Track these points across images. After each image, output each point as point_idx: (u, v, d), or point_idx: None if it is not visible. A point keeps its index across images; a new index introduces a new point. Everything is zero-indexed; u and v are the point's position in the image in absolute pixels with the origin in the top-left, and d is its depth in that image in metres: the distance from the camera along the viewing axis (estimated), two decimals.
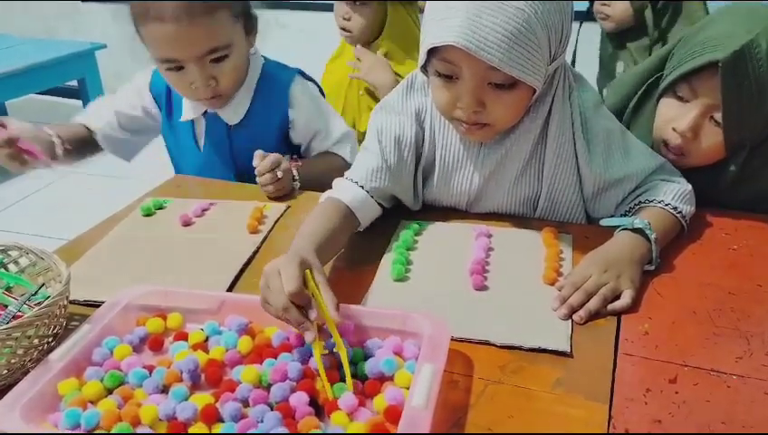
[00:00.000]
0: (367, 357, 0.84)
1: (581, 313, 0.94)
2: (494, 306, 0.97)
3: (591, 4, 2.26)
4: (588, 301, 0.95)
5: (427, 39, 1.02)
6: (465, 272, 1.04)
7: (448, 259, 1.09)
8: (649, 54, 2.30)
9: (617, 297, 0.97)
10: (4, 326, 0.80)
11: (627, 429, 0.75)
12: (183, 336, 0.89)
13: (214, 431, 0.74)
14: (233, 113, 1.47)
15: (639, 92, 1.33)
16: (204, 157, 1.51)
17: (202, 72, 1.32)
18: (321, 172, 1.44)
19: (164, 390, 0.81)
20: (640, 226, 1.05)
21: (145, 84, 1.54)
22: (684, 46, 1.21)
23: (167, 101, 1.53)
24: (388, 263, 1.06)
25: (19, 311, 0.89)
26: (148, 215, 1.27)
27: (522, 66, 0.98)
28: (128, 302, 0.91)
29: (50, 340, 0.87)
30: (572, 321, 0.93)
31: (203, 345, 0.87)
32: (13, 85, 3.46)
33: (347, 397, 0.76)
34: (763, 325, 0.92)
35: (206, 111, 1.48)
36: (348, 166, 1.51)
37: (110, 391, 0.80)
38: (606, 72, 2.34)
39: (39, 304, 0.89)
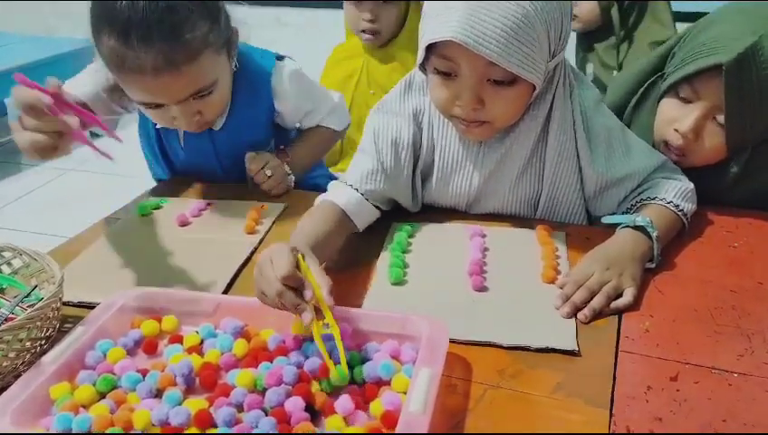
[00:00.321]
0: (364, 361, 0.83)
1: (586, 311, 0.93)
2: (497, 307, 0.96)
3: None
4: (590, 299, 0.95)
5: (426, 35, 1.01)
6: (463, 273, 1.03)
7: (444, 260, 1.08)
8: (617, 54, 2.32)
9: (619, 295, 0.96)
10: None
11: (628, 427, 0.75)
12: (178, 339, 0.88)
13: None
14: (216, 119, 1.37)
15: (640, 91, 1.32)
16: (186, 158, 1.44)
17: (186, 111, 1.21)
18: (312, 153, 1.48)
19: (158, 394, 0.80)
20: (642, 223, 1.04)
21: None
22: (686, 46, 1.19)
23: None
24: (384, 266, 1.05)
25: (11, 313, 0.88)
26: (144, 215, 1.26)
27: (521, 62, 0.98)
28: (122, 304, 0.91)
29: (42, 342, 0.86)
30: (576, 319, 0.92)
31: (198, 348, 0.86)
32: (12, 83, 3.44)
33: (343, 401, 0.75)
34: (764, 323, 0.92)
35: None
36: (337, 135, 1.54)
37: (102, 395, 0.79)
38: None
39: (32, 305, 0.88)
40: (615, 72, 2.29)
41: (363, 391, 0.79)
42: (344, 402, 0.75)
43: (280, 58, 1.42)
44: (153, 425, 0.74)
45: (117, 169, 1.55)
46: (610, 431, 0.74)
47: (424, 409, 0.69)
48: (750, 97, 1.10)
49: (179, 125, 1.25)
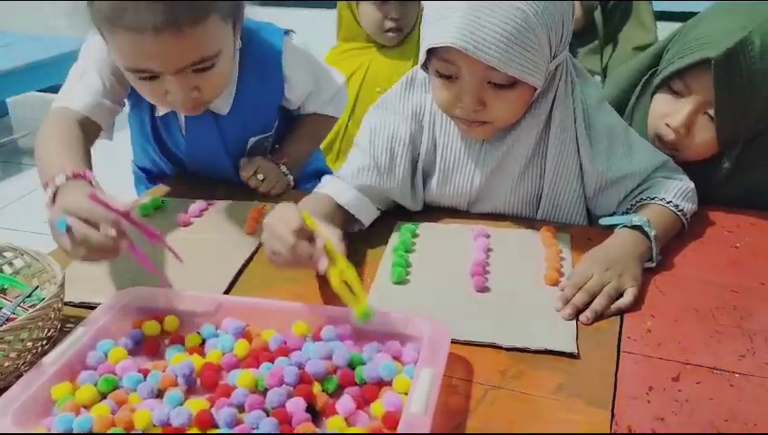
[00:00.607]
0: (365, 361, 0.82)
1: (588, 313, 0.93)
2: (498, 308, 0.96)
3: None
4: (591, 301, 0.94)
5: (426, 39, 1.01)
6: (465, 273, 1.03)
7: (447, 261, 1.07)
8: (600, 58, 2.30)
9: (620, 295, 0.96)
10: None
11: (629, 427, 0.75)
12: (179, 339, 0.88)
13: None
14: (220, 103, 1.29)
15: (638, 88, 1.32)
16: (188, 147, 1.36)
17: (182, 84, 1.08)
18: (309, 145, 1.46)
19: (159, 394, 0.79)
20: (639, 223, 1.04)
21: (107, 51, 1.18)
22: (678, 42, 1.21)
23: None
24: (387, 265, 1.05)
25: (13, 313, 0.88)
26: (145, 215, 1.26)
27: (521, 66, 0.98)
28: (124, 304, 0.90)
29: (44, 343, 0.86)
30: (577, 322, 0.92)
31: (199, 349, 0.86)
32: (14, 82, 3.46)
33: (345, 401, 0.75)
34: (766, 323, 0.92)
35: None
36: (334, 121, 1.52)
37: (103, 396, 0.79)
38: None
39: (33, 306, 0.88)
40: (598, 78, 2.26)
41: (364, 391, 0.78)
42: (345, 403, 0.75)
43: (286, 33, 1.35)
44: (154, 425, 0.74)
45: (118, 168, 1.55)
46: (612, 432, 0.74)
47: (425, 409, 0.69)
48: (739, 91, 1.11)
49: (173, 102, 1.12)
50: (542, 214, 1.20)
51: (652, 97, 1.25)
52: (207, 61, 1.07)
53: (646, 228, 1.03)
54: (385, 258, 1.08)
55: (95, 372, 0.82)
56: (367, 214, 1.15)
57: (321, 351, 0.82)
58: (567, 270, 1.03)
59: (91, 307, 0.93)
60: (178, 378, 0.81)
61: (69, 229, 0.83)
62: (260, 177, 1.31)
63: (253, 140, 1.38)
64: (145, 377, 0.81)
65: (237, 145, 1.36)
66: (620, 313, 0.95)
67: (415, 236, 1.15)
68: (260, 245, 1.14)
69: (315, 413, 0.76)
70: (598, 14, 2.20)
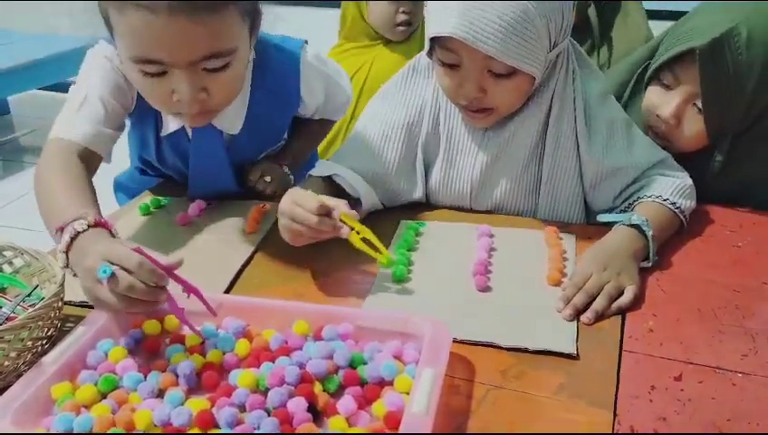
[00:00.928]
0: (366, 361, 0.82)
1: (589, 314, 0.93)
2: (498, 308, 0.96)
3: None
4: (591, 301, 0.94)
5: (429, 29, 1.06)
6: (468, 273, 1.03)
7: (450, 260, 1.07)
8: (598, 56, 2.29)
9: (620, 294, 0.96)
10: None
11: (632, 426, 0.74)
12: (179, 339, 0.88)
13: None
14: (229, 122, 1.23)
15: (632, 83, 1.35)
16: (194, 167, 1.29)
17: (191, 82, 1.00)
18: (311, 146, 1.47)
19: (159, 394, 0.79)
20: (637, 222, 1.04)
21: (111, 68, 1.15)
22: (671, 35, 1.23)
23: None
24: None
25: (13, 312, 0.88)
26: (146, 214, 1.25)
27: (520, 56, 1.01)
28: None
29: (44, 342, 0.86)
30: (577, 322, 0.92)
31: (199, 348, 0.86)
32: (15, 80, 3.46)
33: (346, 401, 0.75)
34: None
35: None
36: (334, 123, 1.53)
37: (104, 396, 0.79)
38: None
39: (33, 305, 0.87)
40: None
41: (365, 391, 0.78)
42: (347, 403, 0.75)
43: (302, 47, 1.29)
44: (155, 425, 0.74)
45: (118, 166, 1.54)
46: (614, 431, 0.74)
47: (427, 409, 0.69)
48: (725, 82, 1.13)
49: (177, 106, 1.05)
50: (543, 206, 1.20)
51: (645, 90, 1.28)
52: (221, 57, 1.00)
53: (644, 227, 1.04)
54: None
55: (95, 371, 0.81)
56: (364, 191, 1.17)
57: (322, 350, 0.82)
58: (570, 271, 1.03)
59: (91, 306, 0.92)
60: (179, 378, 0.80)
61: (111, 278, 0.80)
62: (267, 179, 1.29)
63: (261, 155, 1.37)
64: (145, 377, 0.81)
65: (245, 163, 1.33)
66: (621, 312, 0.94)
67: (418, 234, 1.15)
68: (261, 243, 1.14)
69: (316, 413, 0.76)
70: (592, 12, 2.19)
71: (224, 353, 0.84)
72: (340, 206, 0.97)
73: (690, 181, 1.16)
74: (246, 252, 1.11)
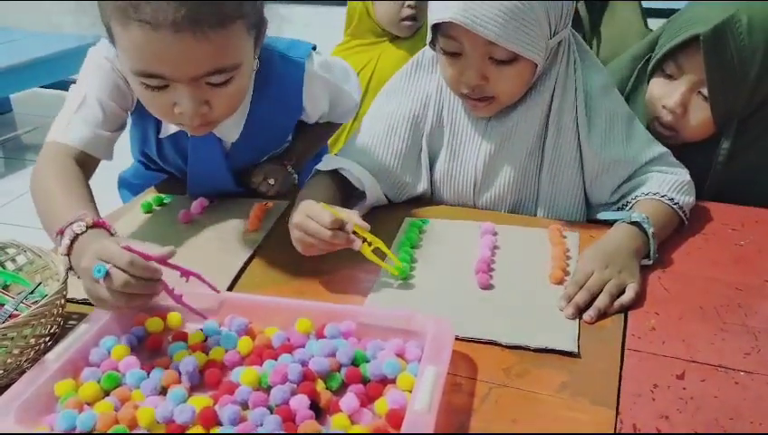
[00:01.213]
0: (369, 359, 0.82)
1: (591, 312, 0.93)
2: (501, 306, 0.95)
3: None
4: (592, 299, 0.94)
5: (430, 15, 1.08)
6: (471, 270, 1.03)
7: (453, 257, 1.07)
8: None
9: (621, 292, 0.96)
10: (1, 325, 0.79)
11: (634, 425, 0.74)
12: (182, 336, 0.88)
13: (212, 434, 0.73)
14: (228, 130, 1.22)
15: (633, 77, 1.36)
16: (192, 171, 1.29)
17: (194, 96, 0.97)
18: (315, 147, 1.45)
19: (162, 391, 0.79)
20: (638, 219, 1.04)
21: (111, 69, 1.14)
22: (671, 26, 1.25)
23: None
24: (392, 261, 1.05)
25: (16, 310, 0.88)
26: (148, 211, 1.26)
27: (520, 41, 1.02)
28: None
29: (47, 339, 0.86)
30: (579, 321, 0.92)
31: (202, 346, 0.86)
32: (17, 78, 3.46)
33: (348, 399, 0.75)
34: None
35: None
36: (340, 125, 1.54)
37: (107, 393, 0.79)
38: None
39: (36, 302, 0.88)
40: None
41: (368, 389, 0.78)
42: (349, 401, 0.75)
43: (309, 56, 1.26)
44: (157, 423, 0.74)
45: (118, 166, 1.54)
46: (617, 430, 0.74)
47: (429, 407, 0.69)
48: (729, 67, 1.15)
49: (178, 118, 1.02)
50: (544, 196, 1.20)
51: (648, 83, 1.29)
52: (224, 73, 0.97)
53: (644, 225, 1.04)
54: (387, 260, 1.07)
55: (98, 368, 0.82)
56: (369, 184, 1.17)
57: (324, 348, 0.82)
58: (573, 269, 1.03)
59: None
60: (182, 375, 0.80)
61: (105, 276, 0.80)
62: (271, 181, 1.29)
63: (263, 158, 1.36)
64: (148, 374, 0.81)
65: (244, 168, 1.31)
66: (623, 310, 0.94)
67: (422, 232, 1.15)
68: (263, 241, 1.14)
69: (319, 411, 0.76)
70: (582, 7, 2.18)
71: (226, 351, 0.85)
72: (352, 218, 0.98)
73: (689, 177, 1.16)
74: (249, 250, 1.11)
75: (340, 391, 0.79)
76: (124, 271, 0.80)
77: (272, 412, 0.74)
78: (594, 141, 1.14)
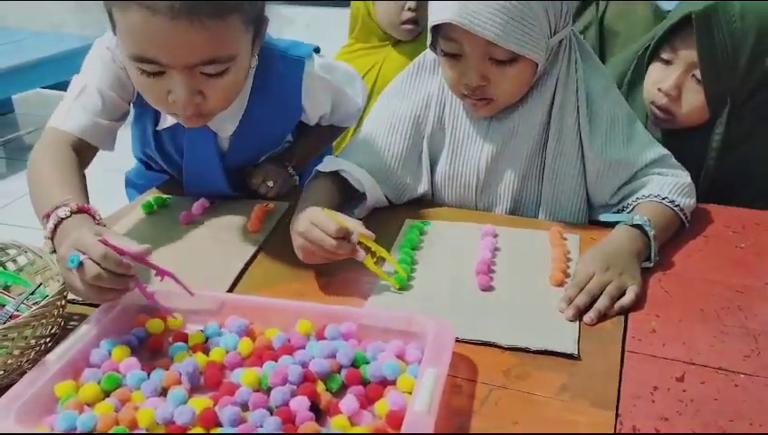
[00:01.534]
0: (369, 360, 0.82)
1: (591, 314, 0.93)
2: (501, 307, 0.96)
3: None
4: (593, 301, 0.94)
5: (430, 17, 1.08)
6: (471, 272, 1.03)
7: (454, 259, 1.07)
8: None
9: (621, 294, 0.96)
10: (1, 326, 0.79)
11: (634, 426, 0.75)
12: (183, 337, 0.88)
13: None
14: (223, 124, 1.22)
15: (633, 65, 1.40)
16: (186, 164, 1.29)
17: (188, 85, 0.98)
18: (317, 150, 1.44)
19: (162, 392, 0.79)
20: (639, 222, 1.04)
21: (112, 59, 1.16)
22: (670, 14, 1.29)
23: None
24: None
25: (16, 310, 0.88)
26: (149, 212, 1.26)
27: (519, 41, 1.02)
28: (127, 302, 0.90)
29: (47, 340, 0.86)
30: (579, 323, 0.92)
31: (203, 347, 0.86)
32: (20, 79, 3.47)
33: (348, 400, 0.75)
34: None
35: None
36: (345, 129, 1.53)
37: (107, 394, 0.79)
38: None
39: (37, 303, 0.88)
40: None
41: (368, 390, 0.78)
42: (349, 402, 0.75)
43: (309, 56, 1.26)
44: (158, 424, 0.74)
45: (118, 166, 1.54)
46: (617, 431, 0.74)
47: (429, 409, 0.69)
48: (721, 49, 1.19)
49: (172, 107, 1.03)
50: (546, 197, 1.20)
51: (647, 70, 1.33)
52: (219, 64, 0.98)
53: (646, 228, 1.04)
54: (392, 255, 1.07)
55: (98, 369, 0.82)
56: (369, 186, 1.18)
57: (324, 349, 0.82)
58: (574, 271, 1.03)
59: (96, 305, 0.92)
60: (182, 376, 0.80)
61: (79, 266, 0.81)
62: (270, 184, 1.28)
63: (262, 158, 1.35)
64: (148, 375, 0.81)
65: (240, 168, 1.31)
66: (623, 312, 0.94)
67: (423, 233, 1.15)
68: (264, 242, 1.14)
69: (319, 412, 0.76)
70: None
71: (227, 352, 0.85)
72: (357, 228, 0.98)
73: (689, 180, 1.17)
74: (249, 251, 1.11)
75: (341, 392, 0.79)
76: (98, 264, 0.81)
77: (272, 414, 0.74)
78: (595, 143, 1.14)
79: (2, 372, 0.81)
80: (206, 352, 0.85)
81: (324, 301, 0.98)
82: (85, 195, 1.02)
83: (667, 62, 1.29)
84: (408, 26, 1.96)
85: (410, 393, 0.75)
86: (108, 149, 1.19)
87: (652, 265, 1.04)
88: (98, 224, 0.93)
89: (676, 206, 1.11)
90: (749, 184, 1.28)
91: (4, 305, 0.90)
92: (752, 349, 0.87)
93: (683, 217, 1.12)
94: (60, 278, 0.89)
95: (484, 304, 0.96)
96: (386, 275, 1.00)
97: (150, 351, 0.87)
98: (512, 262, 1.07)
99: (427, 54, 1.22)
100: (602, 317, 0.93)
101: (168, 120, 1.22)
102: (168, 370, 0.82)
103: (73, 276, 0.82)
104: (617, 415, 0.76)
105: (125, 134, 1.28)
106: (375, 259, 1.00)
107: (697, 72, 1.24)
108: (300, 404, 0.74)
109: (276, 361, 0.82)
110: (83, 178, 1.08)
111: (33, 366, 0.79)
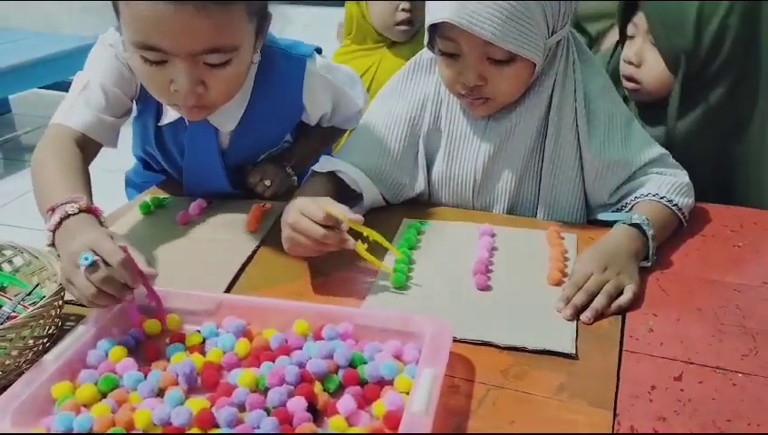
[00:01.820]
0: (366, 361, 0.82)
1: (588, 313, 0.92)
2: (498, 307, 0.95)
3: None
4: (590, 301, 0.94)
5: (427, 17, 1.07)
6: (468, 271, 1.03)
7: (451, 259, 1.07)
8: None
9: (619, 293, 0.96)
10: None
11: (632, 426, 0.74)
12: (179, 338, 0.88)
13: None
14: (224, 119, 1.22)
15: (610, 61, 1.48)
16: (187, 161, 1.30)
17: (190, 74, 0.99)
18: (317, 151, 1.42)
19: (159, 393, 0.79)
20: (638, 221, 1.04)
21: (115, 55, 1.16)
22: None
23: None
24: (390, 262, 1.05)
25: (13, 311, 0.88)
26: (146, 213, 1.25)
27: (517, 40, 1.02)
28: (124, 302, 0.90)
29: (45, 341, 0.86)
30: (577, 322, 0.92)
31: (200, 347, 0.86)
32: (17, 79, 3.46)
33: (346, 401, 0.75)
34: None
35: None
36: (345, 131, 1.52)
37: (104, 395, 0.79)
38: None
39: (34, 304, 0.87)
40: None
41: (365, 391, 0.78)
42: (346, 402, 0.75)
43: (311, 55, 1.26)
44: (154, 425, 0.74)
45: (118, 165, 1.54)
46: (614, 431, 0.74)
47: (426, 409, 0.69)
48: (668, 13, 1.27)
49: (173, 97, 1.04)
50: (544, 197, 1.20)
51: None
52: (222, 53, 0.99)
53: (644, 227, 1.04)
54: (389, 255, 1.07)
55: (95, 370, 0.82)
56: (365, 186, 1.18)
57: (322, 350, 0.82)
58: (571, 270, 1.03)
59: None
60: (179, 377, 0.80)
61: (89, 266, 0.82)
62: (267, 183, 1.28)
63: (261, 157, 1.35)
64: (145, 376, 0.81)
65: (239, 166, 1.31)
66: (621, 311, 0.94)
67: (420, 233, 1.15)
68: (261, 242, 1.14)
69: (316, 413, 0.76)
70: None
71: (224, 353, 0.84)
72: (346, 214, 0.95)
73: (687, 179, 1.17)
74: (247, 251, 1.11)
75: (338, 392, 0.79)
76: (110, 268, 0.82)
77: (269, 414, 0.74)
78: (593, 143, 1.14)
79: (0, 373, 0.80)
80: (203, 352, 0.85)
81: (321, 301, 0.98)
82: (89, 192, 1.04)
83: (632, 37, 1.36)
84: (403, 27, 1.95)
85: (408, 393, 0.75)
86: (111, 145, 1.20)
87: (650, 264, 1.04)
88: (102, 225, 0.94)
89: (674, 205, 1.11)
90: (701, 152, 1.32)
91: (1, 306, 0.90)
92: (750, 348, 0.87)
93: (681, 217, 1.12)
94: (57, 279, 0.89)
95: (482, 303, 0.96)
96: (379, 261, 1.00)
97: (147, 352, 0.87)
98: (509, 261, 1.07)
99: (423, 54, 1.22)
100: (600, 316, 0.93)
101: (169, 115, 1.22)
102: (164, 370, 0.82)
103: (78, 274, 0.83)
104: (615, 415, 0.76)
105: (125, 134, 1.27)
106: (367, 246, 0.99)
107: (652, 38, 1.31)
108: (297, 405, 0.74)
109: (273, 361, 0.82)
110: (88, 174, 1.09)
111: (30, 367, 0.79)
